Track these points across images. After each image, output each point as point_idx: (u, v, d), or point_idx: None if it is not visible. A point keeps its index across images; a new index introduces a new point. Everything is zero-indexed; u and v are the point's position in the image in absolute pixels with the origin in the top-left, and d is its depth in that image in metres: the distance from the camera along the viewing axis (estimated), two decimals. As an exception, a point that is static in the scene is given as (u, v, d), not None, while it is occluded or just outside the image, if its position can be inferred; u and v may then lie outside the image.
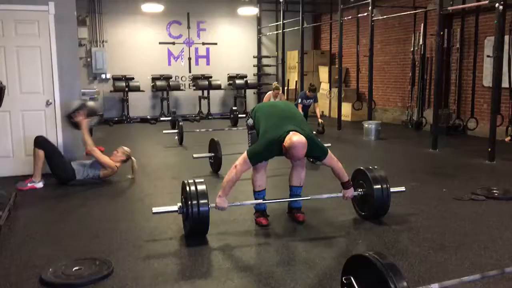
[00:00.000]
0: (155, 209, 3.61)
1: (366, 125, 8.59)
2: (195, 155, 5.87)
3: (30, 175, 5.17)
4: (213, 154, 5.82)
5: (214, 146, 5.80)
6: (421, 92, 9.65)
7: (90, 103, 5.75)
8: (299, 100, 9.01)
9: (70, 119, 5.40)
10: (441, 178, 5.48)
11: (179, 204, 3.61)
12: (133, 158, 5.60)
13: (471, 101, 8.63)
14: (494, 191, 4.73)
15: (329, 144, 6.16)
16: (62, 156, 5.33)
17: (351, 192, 3.83)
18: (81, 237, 3.65)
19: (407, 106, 10.04)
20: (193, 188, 3.51)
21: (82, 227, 3.90)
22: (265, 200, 3.92)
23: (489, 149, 6.29)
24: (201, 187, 3.53)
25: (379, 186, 3.81)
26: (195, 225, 3.49)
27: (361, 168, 4.01)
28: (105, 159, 5.33)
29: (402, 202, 4.42)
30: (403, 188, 4.11)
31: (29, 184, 5.07)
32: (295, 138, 3.38)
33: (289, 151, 3.41)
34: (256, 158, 3.59)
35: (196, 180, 3.60)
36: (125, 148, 5.64)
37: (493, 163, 6.22)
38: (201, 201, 3.45)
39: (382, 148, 7.83)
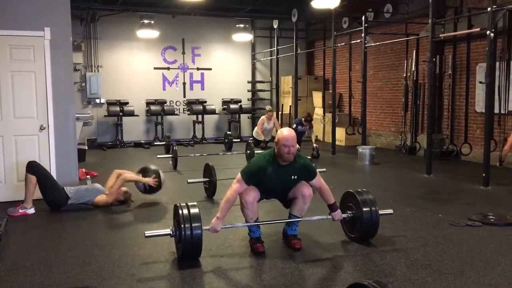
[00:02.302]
0: (147, 233, 3.63)
1: (361, 150, 8.60)
2: (189, 180, 5.82)
3: (22, 201, 5.09)
4: (207, 179, 5.78)
5: (208, 171, 5.77)
6: (414, 118, 9.71)
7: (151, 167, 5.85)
8: (294, 126, 9.07)
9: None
10: (437, 204, 5.46)
11: (172, 227, 3.60)
12: (131, 200, 5.58)
13: (464, 127, 8.69)
14: (490, 216, 4.71)
15: (324, 169, 6.19)
16: (55, 181, 5.26)
17: (339, 214, 3.90)
18: (72, 265, 3.57)
19: (401, 131, 10.09)
20: (185, 211, 3.52)
21: (74, 254, 3.82)
22: (258, 222, 3.86)
23: (484, 175, 6.30)
24: (193, 210, 3.54)
25: (368, 209, 3.86)
26: (188, 248, 3.48)
27: (350, 191, 4.07)
28: (116, 189, 5.32)
29: (398, 228, 4.40)
30: (391, 211, 4.18)
31: (20, 210, 4.98)
32: (284, 129, 3.68)
33: (279, 144, 3.58)
34: (249, 175, 3.66)
35: (189, 203, 3.61)
36: (129, 191, 5.58)
37: (488, 188, 6.22)
38: (194, 224, 3.44)
39: (377, 173, 7.82)
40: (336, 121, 10.26)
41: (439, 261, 3.58)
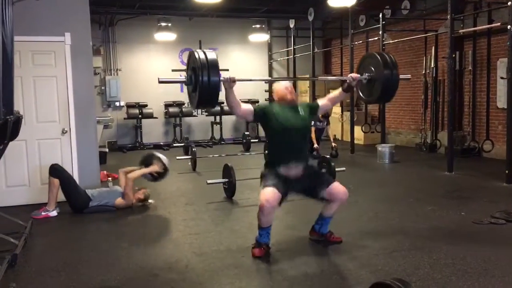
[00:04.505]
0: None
1: (380, 148, 8.53)
2: (209, 181, 5.86)
3: (46, 203, 5.18)
4: (227, 179, 5.80)
5: (227, 172, 5.80)
6: (434, 115, 9.59)
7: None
8: (312, 123, 8.98)
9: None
10: (459, 202, 5.39)
11: (185, 75, 3.60)
12: (151, 201, 5.58)
13: (485, 123, 8.56)
14: (514, 214, 4.63)
15: (343, 168, 6.17)
16: (77, 184, 5.35)
17: (354, 75, 3.95)
18: (96, 266, 3.63)
19: (421, 128, 9.97)
20: (202, 56, 3.38)
21: (97, 255, 3.88)
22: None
23: (507, 171, 6.19)
24: (211, 56, 3.40)
25: (389, 71, 3.85)
26: (205, 94, 3.40)
27: (372, 52, 4.15)
28: (130, 191, 5.32)
29: (420, 227, 4.36)
30: (408, 76, 4.35)
31: (43, 213, 5.07)
32: (277, 83, 3.94)
33: (279, 93, 3.83)
34: (259, 107, 3.93)
35: (206, 50, 3.49)
36: (148, 190, 5.59)
37: (511, 185, 6.11)
38: (212, 71, 3.35)
39: (397, 171, 7.75)
40: (355, 119, 10.19)
41: (462, 259, 3.53)
